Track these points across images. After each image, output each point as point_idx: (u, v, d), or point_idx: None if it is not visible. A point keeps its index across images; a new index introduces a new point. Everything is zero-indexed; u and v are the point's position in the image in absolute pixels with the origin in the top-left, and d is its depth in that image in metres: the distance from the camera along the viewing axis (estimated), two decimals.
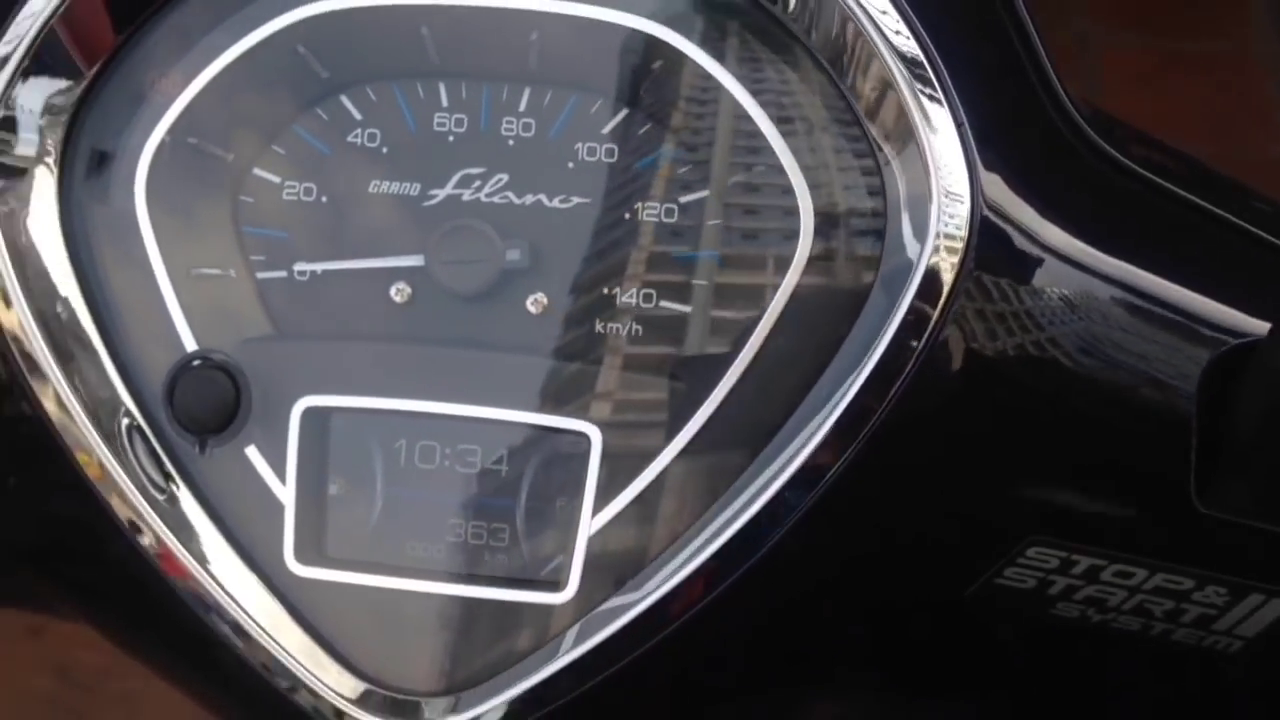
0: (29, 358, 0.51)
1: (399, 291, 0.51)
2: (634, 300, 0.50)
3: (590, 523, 0.49)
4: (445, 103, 0.51)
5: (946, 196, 0.46)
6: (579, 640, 0.49)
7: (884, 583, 0.49)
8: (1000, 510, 0.48)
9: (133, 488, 0.51)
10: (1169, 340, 0.47)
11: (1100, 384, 0.47)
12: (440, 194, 0.51)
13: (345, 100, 0.51)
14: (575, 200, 0.50)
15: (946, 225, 0.46)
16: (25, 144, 0.51)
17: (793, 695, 0.52)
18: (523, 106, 0.51)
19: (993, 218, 0.46)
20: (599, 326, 0.50)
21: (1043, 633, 0.49)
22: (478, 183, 0.51)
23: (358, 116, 0.51)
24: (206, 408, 0.51)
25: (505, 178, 0.51)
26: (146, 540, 0.51)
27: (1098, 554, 0.47)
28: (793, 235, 0.49)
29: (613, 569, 0.49)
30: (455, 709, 0.50)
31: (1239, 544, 0.47)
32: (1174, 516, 0.46)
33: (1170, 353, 0.47)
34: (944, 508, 0.48)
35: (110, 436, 0.51)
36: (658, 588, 0.48)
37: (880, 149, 0.47)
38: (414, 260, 0.51)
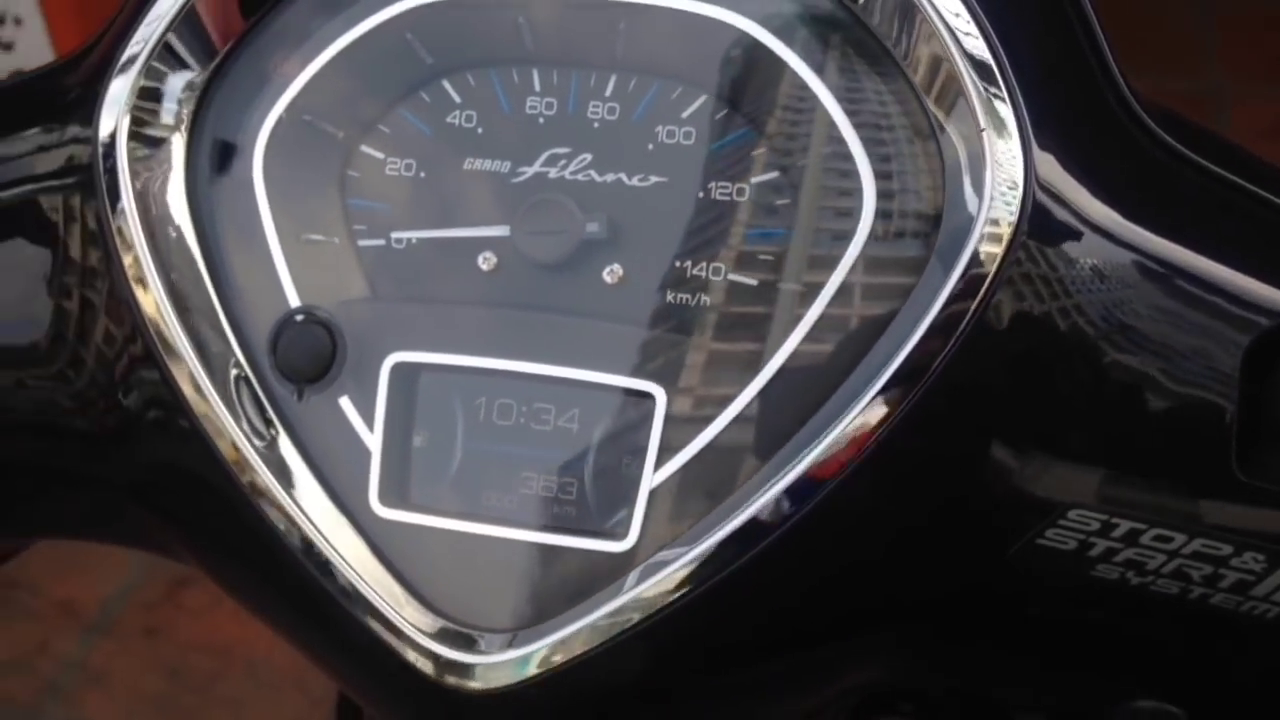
0: (165, 340, 0.56)
1: (485, 260, 0.55)
2: (704, 273, 0.53)
3: (652, 477, 0.52)
4: (537, 87, 0.55)
5: (1001, 181, 0.49)
6: (634, 586, 0.51)
7: (930, 540, 0.51)
8: (1044, 473, 0.49)
9: (239, 433, 0.55)
10: (1216, 316, 0.48)
11: (1145, 355, 0.48)
12: (528, 171, 0.55)
13: (446, 85, 0.56)
14: (653, 179, 0.53)
15: (998, 205, 0.49)
16: (168, 114, 0.57)
17: (835, 651, 0.54)
18: (608, 91, 0.54)
19: (1043, 197, 0.48)
20: (670, 297, 0.53)
21: (1083, 594, 0.50)
22: (563, 161, 0.54)
23: (457, 100, 0.56)
24: (306, 358, 0.55)
25: (589, 157, 0.54)
26: (248, 481, 0.55)
27: (1138, 518, 0.48)
28: (856, 212, 0.51)
29: (673, 520, 0.52)
30: (511, 644, 0.53)
31: (1278, 512, 0.48)
32: (1215, 485, 0.48)
33: (1216, 328, 0.48)
34: (989, 469, 0.49)
35: (223, 388, 0.56)
36: (713, 538, 0.51)
37: (937, 121, 0.50)
38: (500, 230, 0.55)
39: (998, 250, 0.48)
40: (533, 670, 0.52)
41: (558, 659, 0.52)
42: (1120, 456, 0.49)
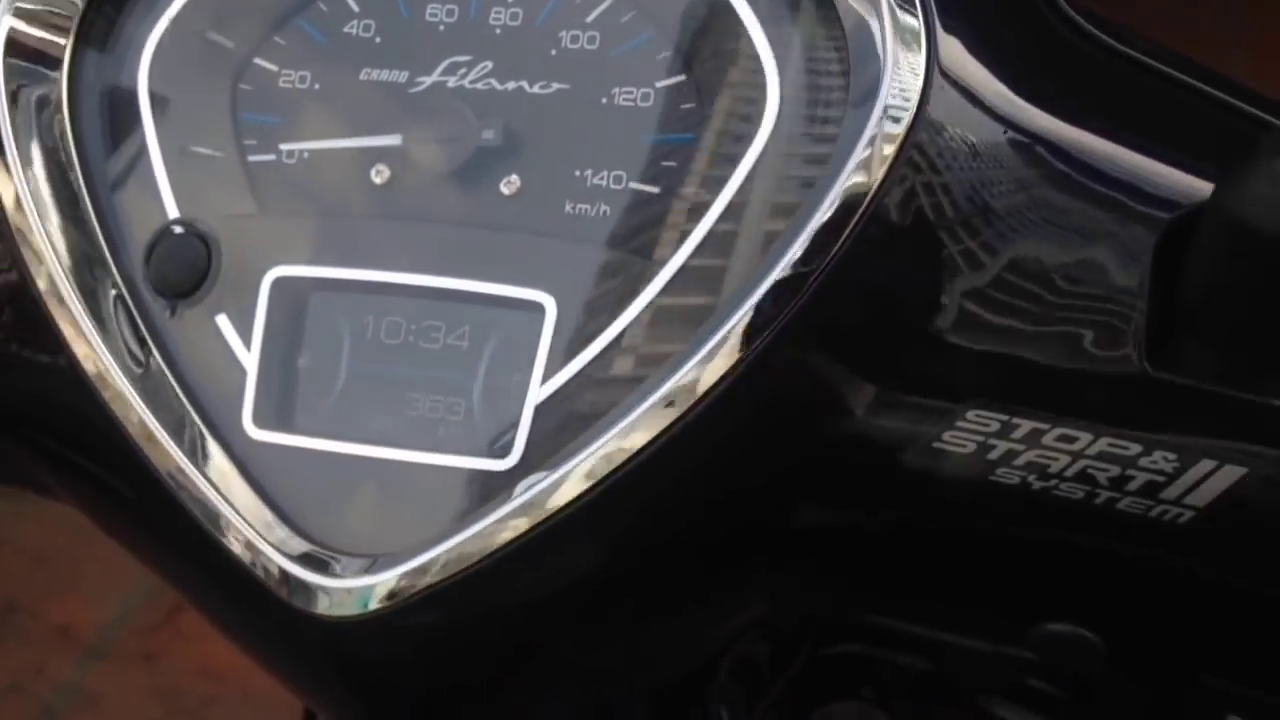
0: (35, 251, 0.53)
1: (379, 173, 0.53)
2: (605, 182, 0.50)
3: (539, 391, 0.49)
4: None
5: (904, 65, 0.46)
6: (506, 506, 0.48)
7: (820, 443, 0.48)
8: (942, 371, 0.46)
9: (111, 358, 0.52)
10: (1127, 203, 0.45)
11: (1051, 245, 0.45)
12: (427, 81, 0.52)
13: None
14: (555, 86, 0.51)
15: (898, 90, 0.46)
16: (53, 19, 0.55)
17: (720, 574, 0.51)
18: None
19: (946, 82, 0.46)
20: (569, 207, 0.51)
21: (982, 501, 0.47)
22: (463, 70, 0.52)
23: (355, 9, 0.54)
24: (180, 271, 0.53)
25: (490, 65, 0.52)
26: (117, 406, 0.52)
27: (1040, 417, 0.45)
28: (759, 115, 0.49)
29: (559, 436, 0.49)
30: (370, 569, 0.50)
31: (1190, 408, 0.44)
32: (1122, 379, 0.44)
33: (1127, 215, 0.45)
34: (886, 366, 0.47)
35: (97, 312, 0.53)
36: (590, 454, 0.48)
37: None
38: (392, 140, 0.52)
39: (898, 132, 0.46)
40: (395, 594, 0.49)
41: (425, 582, 0.49)
42: (1022, 351, 0.46)
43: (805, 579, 0.52)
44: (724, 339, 0.47)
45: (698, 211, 0.49)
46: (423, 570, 0.49)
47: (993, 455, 0.46)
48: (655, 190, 0.50)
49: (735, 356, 0.46)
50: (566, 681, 0.54)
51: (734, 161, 0.49)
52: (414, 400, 0.51)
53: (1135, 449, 0.45)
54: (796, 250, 0.46)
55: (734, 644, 0.59)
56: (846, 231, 0.46)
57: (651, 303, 0.49)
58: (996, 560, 0.49)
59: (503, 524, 0.48)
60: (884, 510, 0.48)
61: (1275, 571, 0.45)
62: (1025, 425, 0.45)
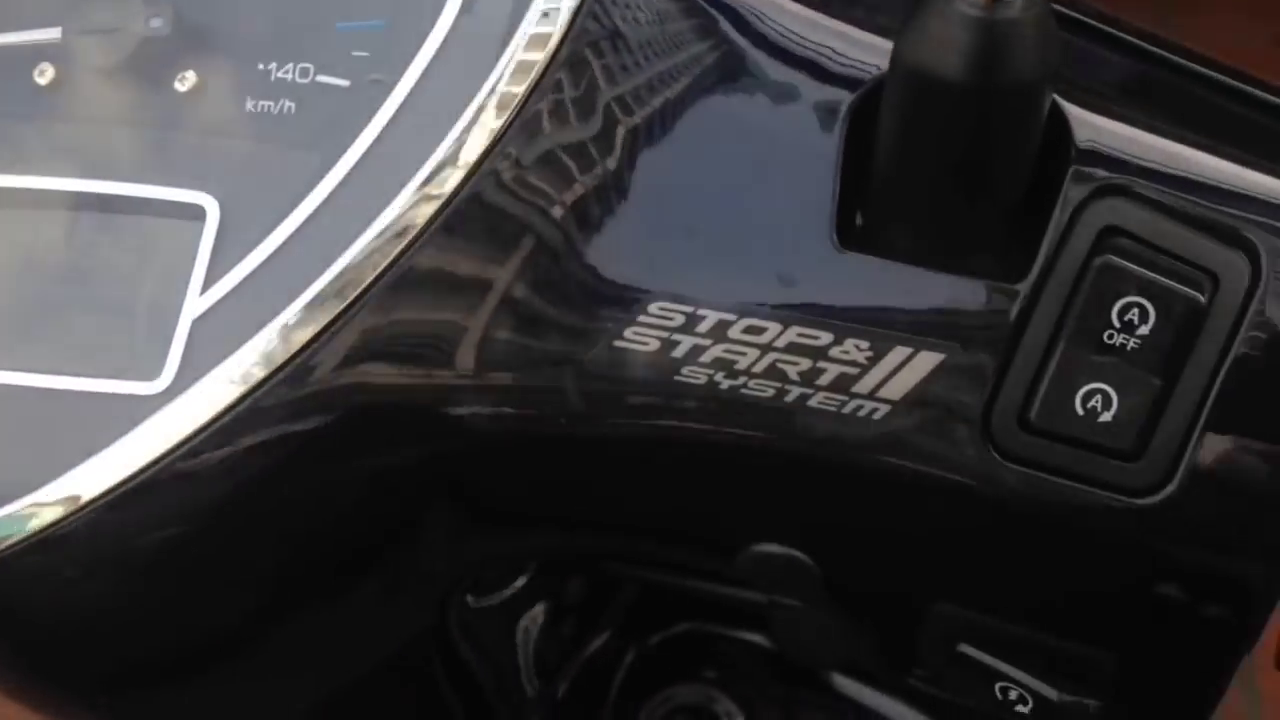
0: None
1: (42, 73, 0.47)
2: (290, 76, 0.45)
3: (197, 303, 0.44)
4: None
5: None
6: (145, 428, 0.43)
7: (495, 341, 0.43)
8: (622, 259, 0.41)
9: None
10: (819, 72, 0.40)
11: (729, 114, 0.41)
12: None
13: None
14: None
15: None
16: None
17: (395, 495, 0.46)
18: None
19: None
20: (250, 105, 0.45)
21: (668, 405, 0.42)
22: None
23: None
24: None
25: None
26: None
27: (726, 306, 0.40)
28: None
29: (217, 353, 0.43)
30: None
31: (882, 291, 0.39)
32: (808, 259, 0.40)
33: (819, 83, 0.40)
34: (561, 253, 0.41)
35: None
36: (232, 375, 0.42)
37: None
38: (51, 33, 0.47)
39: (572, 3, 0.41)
40: (20, 534, 0.43)
41: (40, 522, 0.43)
42: (705, 236, 0.40)
43: (489, 506, 0.47)
44: (381, 236, 0.42)
45: (379, 100, 0.44)
46: (38, 509, 0.43)
47: (677, 353, 0.41)
48: (344, 83, 0.45)
49: (397, 251, 0.41)
50: (241, 645, 0.48)
51: (418, 47, 0.44)
52: (73, 322, 0.46)
53: (826, 338, 0.39)
54: (462, 133, 0.42)
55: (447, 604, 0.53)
56: (514, 111, 0.41)
57: (324, 203, 0.44)
58: (692, 477, 0.44)
59: (129, 455, 0.42)
60: (564, 421, 0.43)
61: (972, 476, 0.40)
62: (711, 317, 0.40)
